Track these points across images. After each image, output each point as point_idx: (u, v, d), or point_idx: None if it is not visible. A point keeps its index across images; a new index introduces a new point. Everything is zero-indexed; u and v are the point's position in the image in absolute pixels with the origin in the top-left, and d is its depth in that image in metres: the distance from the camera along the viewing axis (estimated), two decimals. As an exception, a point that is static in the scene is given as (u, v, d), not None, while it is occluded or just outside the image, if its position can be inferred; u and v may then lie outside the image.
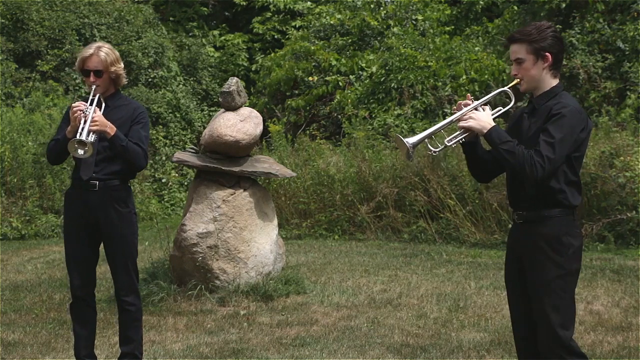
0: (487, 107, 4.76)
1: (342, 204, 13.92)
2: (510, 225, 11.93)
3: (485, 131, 4.62)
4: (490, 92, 4.93)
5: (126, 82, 6.11)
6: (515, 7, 19.82)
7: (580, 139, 4.57)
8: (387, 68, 18.04)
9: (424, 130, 4.93)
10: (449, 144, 4.77)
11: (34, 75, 20.14)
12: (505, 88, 4.83)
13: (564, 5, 16.98)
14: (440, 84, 17.19)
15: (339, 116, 18.22)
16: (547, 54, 4.61)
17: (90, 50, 5.85)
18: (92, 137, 5.55)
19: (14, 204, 15.40)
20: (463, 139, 4.76)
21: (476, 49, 18.37)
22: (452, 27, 21.02)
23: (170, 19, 26.19)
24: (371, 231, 13.47)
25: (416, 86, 17.24)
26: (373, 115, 17.23)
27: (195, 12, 26.77)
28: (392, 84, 17.53)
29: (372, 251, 12.05)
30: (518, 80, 4.71)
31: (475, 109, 4.73)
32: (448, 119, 4.78)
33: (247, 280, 8.87)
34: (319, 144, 15.96)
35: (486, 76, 16.97)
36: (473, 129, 4.67)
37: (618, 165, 11.92)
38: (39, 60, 19.91)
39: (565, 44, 4.81)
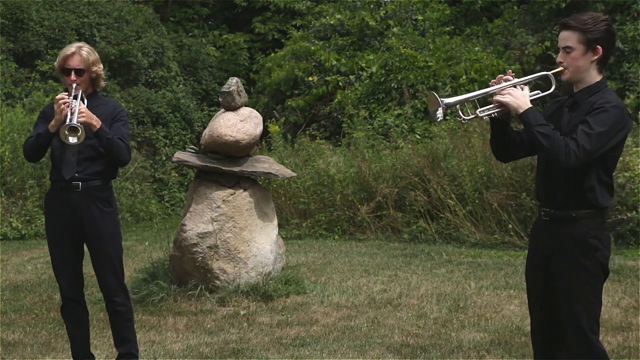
0: (526, 88, 4.61)
1: (342, 204, 13.92)
2: (505, 224, 12.01)
3: (521, 110, 4.48)
4: (533, 74, 4.76)
5: (104, 85, 6.10)
6: (515, 7, 19.83)
7: (618, 137, 4.44)
8: (387, 68, 18.05)
9: (461, 95, 4.72)
10: (480, 115, 4.63)
11: (34, 75, 20.15)
12: (549, 72, 4.67)
13: (563, 5, 16.99)
14: (440, 84, 17.18)
15: (339, 116, 18.23)
16: (598, 46, 4.46)
17: (72, 48, 5.83)
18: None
19: (14, 204, 15.40)
20: (495, 114, 4.63)
21: (476, 49, 18.37)
22: (452, 27, 21.02)
23: (171, 19, 26.21)
24: (371, 231, 13.47)
25: (416, 86, 17.24)
26: (373, 115, 17.23)
27: (196, 13, 26.79)
28: (392, 84, 17.54)
29: (372, 251, 12.06)
30: (562, 68, 4.55)
31: (514, 86, 4.58)
32: (486, 89, 4.63)
33: (247, 280, 8.87)
34: (319, 144, 15.96)
35: (486, 76, 16.95)
36: (509, 105, 4.53)
37: (617, 165, 11.91)
38: (39, 60, 19.92)
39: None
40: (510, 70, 4.76)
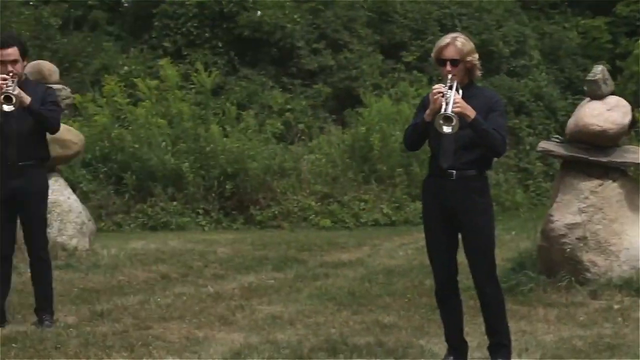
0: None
1: None
2: None
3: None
4: None
5: (480, 75, 6.13)
6: None
7: None
8: None
9: None
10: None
11: (399, 66, 20.86)
12: None
13: None
14: None
15: None
16: None
17: (446, 39, 5.91)
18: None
19: (384, 191, 16.07)
20: None
21: None
22: None
23: (532, 6, 25.91)
24: None
25: None
26: None
27: (559, -4, 26.24)
28: None
29: None
30: None
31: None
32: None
33: (620, 274, 8.61)
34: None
35: None
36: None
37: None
38: (404, 52, 20.59)
39: None
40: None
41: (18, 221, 7.36)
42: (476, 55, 5.96)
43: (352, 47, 21.18)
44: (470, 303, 7.81)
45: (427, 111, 5.79)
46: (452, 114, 5.55)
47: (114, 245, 11.65)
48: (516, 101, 20.34)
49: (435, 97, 5.69)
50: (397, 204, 15.76)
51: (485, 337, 6.33)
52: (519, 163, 19.20)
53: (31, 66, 9.90)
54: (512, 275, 8.86)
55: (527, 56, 21.95)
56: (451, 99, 5.63)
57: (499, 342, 6.10)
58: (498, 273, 6.27)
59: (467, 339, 6.46)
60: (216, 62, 20.57)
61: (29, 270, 7.65)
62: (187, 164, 15.71)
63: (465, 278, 8.26)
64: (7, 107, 6.78)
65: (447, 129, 5.58)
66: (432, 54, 6.00)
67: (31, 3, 22.40)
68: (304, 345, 6.72)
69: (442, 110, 5.60)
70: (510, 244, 10.85)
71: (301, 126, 18.80)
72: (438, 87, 5.74)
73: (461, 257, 6.13)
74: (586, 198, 8.77)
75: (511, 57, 21.51)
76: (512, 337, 6.39)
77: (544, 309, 8.08)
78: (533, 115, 20.34)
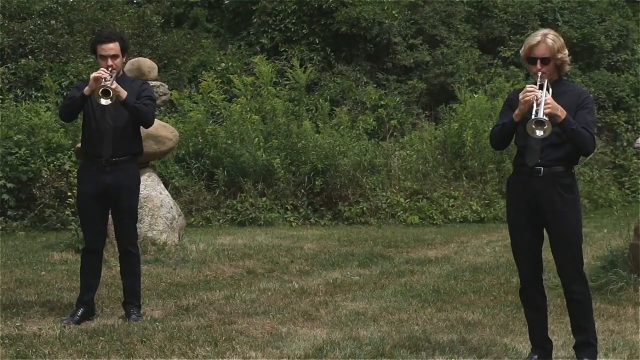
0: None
1: None
2: None
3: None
4: None
5: (568, 70, 6.01)
6: None
7: None
8: None
9: None
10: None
11: (496, 61, 20.61)
12: None
13: None
14: None
15: None
16: None
17: (537, 37, 5.82)
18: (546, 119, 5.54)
19: (474, 187, 15.91)
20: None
21: None
22: None
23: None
24: None
25: None
26: None
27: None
28: None
29: None
30: None
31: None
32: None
33: None
34: None
35: None
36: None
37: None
38: (502, 47, 20.34)
39: None
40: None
41: (109, 215, 7.50)
42: (566, 52, 5.85)
43: (449, 42, 21.08)
44: (556, 302, 7.70)
45: (516, 111, 5.71)
46: (545, 118, 5.44)
47: (202, 241, 11.76)
48: (615, 96, 19.87)
49: (526, 98, 5.61)
50: (486, 201, 15.56)
51: (571, 335, 6.19)
52: (615, 159, 18.75)
53: (131, 63, 10.10)
54: (602, 274, 8.64)
55: (629, 50, 21.43)
56: (542, 99, 5.53)
57: (585, 341, 5.96)
58: (587, 271, 6.13)
59: (553, 337, 6.34)
60: (312, 58, 20.71)
61: (118, 264, 7.75)
62: (278, 160, 15.79)
63: (552, 276, 8.15)
64: (104, 101, 6.91)
65: (539, 133, 5.48)
66: (522, 52, 5.90)
67: (135, 2, 22.90)
68: (386, 342, 6.67)
69: (534, 113, 5.50)
70: (602, 242, 10.59)
71: (393, 122, 18.76)
72: (531, 88, 5.66)
73: (549, 255, 6.01)
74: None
75: (612, 52, 21.01)
76: (599, 336, 6.25)
77: (634, 308, 7.86)
78: (632, 110, 19.83)
